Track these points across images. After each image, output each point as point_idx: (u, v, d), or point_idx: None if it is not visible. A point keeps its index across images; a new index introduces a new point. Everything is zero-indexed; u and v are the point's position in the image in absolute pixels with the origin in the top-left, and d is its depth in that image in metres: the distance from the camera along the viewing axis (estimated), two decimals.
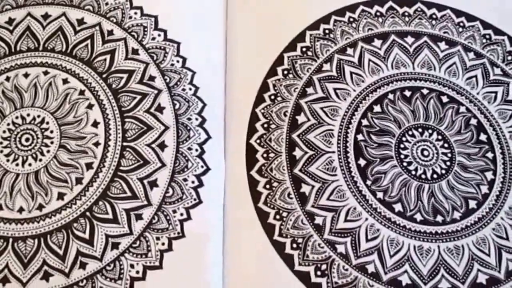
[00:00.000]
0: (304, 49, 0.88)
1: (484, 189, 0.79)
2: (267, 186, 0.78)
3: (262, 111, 0.83)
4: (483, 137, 0.82)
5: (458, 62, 0.88)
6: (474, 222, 0.76)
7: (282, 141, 0.81)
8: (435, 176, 0.79)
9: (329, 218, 0.76)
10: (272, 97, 0.84)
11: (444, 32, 0.90)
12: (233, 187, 0.79)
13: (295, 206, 0.77)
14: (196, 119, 0.81)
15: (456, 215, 0.77)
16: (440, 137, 0.82)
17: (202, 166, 0.78)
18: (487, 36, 0.90)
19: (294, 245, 0.75)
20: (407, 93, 0.85)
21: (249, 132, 0.82)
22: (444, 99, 0.85)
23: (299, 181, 0.78)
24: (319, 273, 0.73)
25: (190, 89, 0.83)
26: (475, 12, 0.92)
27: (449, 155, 0.81)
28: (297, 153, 0.80)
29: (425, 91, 0.85)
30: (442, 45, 0.89)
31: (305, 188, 0.78)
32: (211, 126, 0.82)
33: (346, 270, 0.73)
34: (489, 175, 0.80)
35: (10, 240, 0.73)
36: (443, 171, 0.79)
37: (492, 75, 0.87)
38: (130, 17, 0.87)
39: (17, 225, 0.74)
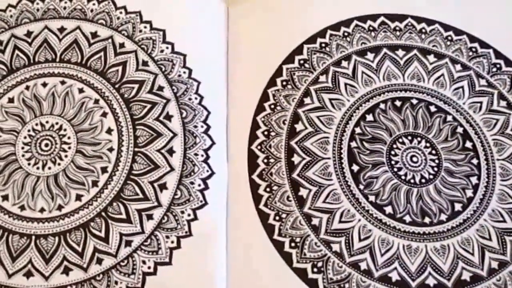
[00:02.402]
0: (301, 62, 0.91)
1: (469, 193, 0.82)
2: (268, 189, 0.82)
3: (263, 119, 0.86)
4: (468, 144, 0.86)
5: (446, 73, 0.91)
6: (459, 223, 0.80)
7: (282, 147, 0.85)
8: (423, 180, 0.83)
9: (325, 219, 0.80)
10: (272, 106, 0.87)
11: (433, 46, 0.93)
12: (236, 190, 0.82)
13: (293, 208, 0.81)
14: (202, 126, 0.85)
15: (443, 217, 0.80)
16: (428, 144, 0.85)
17: (207, 171, 0.82)
18: (474, 49, 0.93)
19: (293, 244, 0.78)
20: (398, 103, 0.88)
21: (251, 139, 0.85)
22: (432, 108, 0.88)
23: (297, 185, 0.82)
24: (315, 270, 0.77)
25: (196, 98, 0.87)
26: (462, 26, 0.95)
27: (437, 161, 0.84)
28: (295, 159, 0.84)
29: (414, 101, 0.88)
30: (431, 57, 0.92)
31: (302, 192, 0.82)
32: (215, 133, 0.85)
33: (341, 267, 0.77)
34: (474, 180, 0.83)
35: (33, 237, 0.77)
36: (431, 176, 0.83)
37: (478, 86, 0.90)
38: (140, 31, 0.91)
39: (39, 224, 0.78)
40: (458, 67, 0.93)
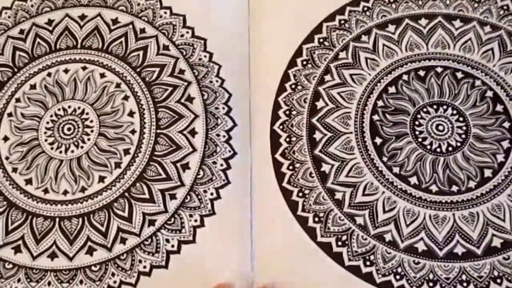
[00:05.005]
0: (321, 40, 0.91)
1: (500, 157, 0.82)
2: (290, 167, 0.83)
3: (284, 99, 0.88)
4: (499, 107, 0.85)
5: (474, 37, 0.89)
6: (490, 190, 0.80)
7: (303, 125, 0.86)
8: (450, 149, 0.83)
9: (348, 193, 0.81)
10: (293, 86, 0.89)
11: (459, 10, 0.92)
12: (259, 169, 0.84)
13: (316, 184, 0.82)
14: (223, 108, 0.87)
15: (472, 184, 0.80)
16: (455, 111, 0.85)
17: (229, 151, 0.85)
18: (505, 7, 0.91)
19: (316, 219, 0.80)
20: (421, 73, 0.88)
21: (273, 119, 0.87)
22: (459, 75, 0.87)
23: (319, 161, 0.84)
24: (340, 243, 0.78)
25: (217, 81, 0.89)
26: None
27: (464, 128, 0.84)
28: (317, 135, 0.85)
29: (439, 70, 0.88)
30: (457, 23, 0.91)
31: (325, 167, 0.83)
32: (236, 115, 0.87)
33: (365, 239, 0.78)
34: (506, 144, 0.83)
35: (57, 219, 0.81)
36: (458, 144, 0.83)
37: (510, 46, 0.88)
38: (161, 16, 0.93)
39: (63, 206, 0.82)
40: (487, 28, 0.91)
